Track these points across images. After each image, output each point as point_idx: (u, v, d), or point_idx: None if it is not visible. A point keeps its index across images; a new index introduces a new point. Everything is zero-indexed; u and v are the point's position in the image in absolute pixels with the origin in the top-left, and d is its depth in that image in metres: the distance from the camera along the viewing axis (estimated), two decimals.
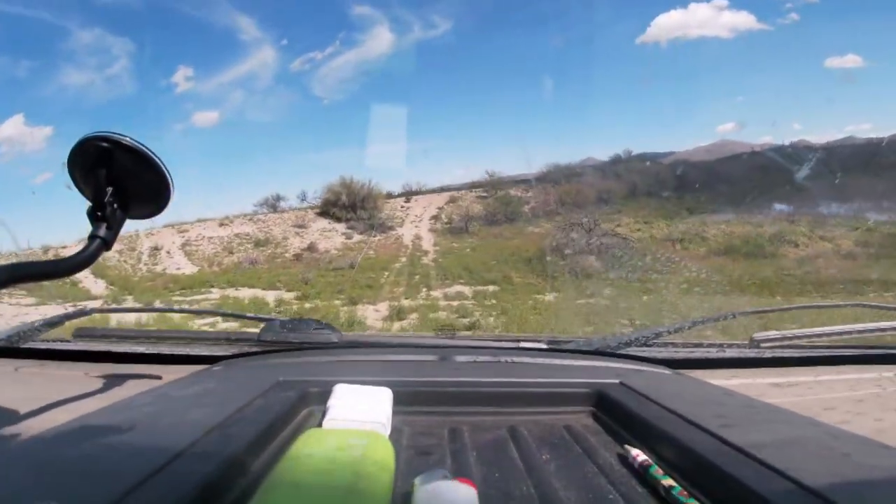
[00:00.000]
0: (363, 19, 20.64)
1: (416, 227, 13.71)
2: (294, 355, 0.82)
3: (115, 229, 0.48)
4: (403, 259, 11.18)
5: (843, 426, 0.48)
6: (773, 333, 0.95)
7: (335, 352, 0.84)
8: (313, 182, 20.77)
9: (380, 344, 0.97)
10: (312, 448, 0.43)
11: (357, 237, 12.85)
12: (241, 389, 0.59)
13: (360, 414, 0.52)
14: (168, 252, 12.24)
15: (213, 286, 9.77)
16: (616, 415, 0.57)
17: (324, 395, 0.57)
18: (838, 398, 0.73)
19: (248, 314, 1.29)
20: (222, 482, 0.38)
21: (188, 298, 8.97)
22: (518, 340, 0.94)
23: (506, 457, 0.48)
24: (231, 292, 9.28)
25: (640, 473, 0.44)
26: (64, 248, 10.75)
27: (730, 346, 0.96)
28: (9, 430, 0.57)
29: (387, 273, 10.00)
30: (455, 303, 7.67)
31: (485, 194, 14.72)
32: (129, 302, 8.91)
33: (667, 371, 0.78)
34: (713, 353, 0.91)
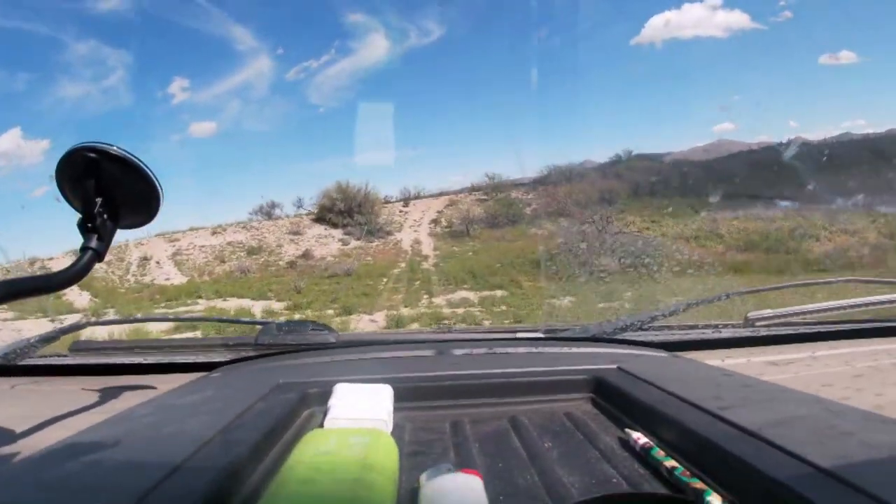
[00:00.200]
0: (358, 27, 20.39)
1: (416, 231, 13.40)
2: (292, 357, 0.82)
3: (106, 240, 0.48)
4: (402, 265, 10.93)
5: (844, 402, 0.48)
6: (767, 312, 0.95)
7: (333, 352, 0.83)
8: (310, 190, 20.54)
9: (377, 342, 0.96)
10: (315, 449, 0.43)
11: (354, 243, 12.54)
12: (241, 394, 0.59)
13: (361, 412, 0.52)
14: (157, 262, 12.00)
15: (200, 297, 9.44)
16: (615, 400, 0.57)
17: (324, 396, 0.57)
18: (835, 373, 0.73)
19: (245, 319, 1.29)
20: (227, 489, 0.38)
21: (174, 310, 8.61)
22: (515, 331, 0.97)
23: (508, 447, 0.48)
24: (218, 303, 8.93)
25: (642, 456, 0.44)
26: (51, 259, 10.44)
27: (725, 326, 0.97)
28: (7, 449, 0.56)
29: (385, 279, 9.65)
30: (461, 310, 7.20)
31: (485, 197, 14.30)
32: (112, 314, 8.56)
33: (664, 354, 0.78)
34: (709, 334, 0.93)
